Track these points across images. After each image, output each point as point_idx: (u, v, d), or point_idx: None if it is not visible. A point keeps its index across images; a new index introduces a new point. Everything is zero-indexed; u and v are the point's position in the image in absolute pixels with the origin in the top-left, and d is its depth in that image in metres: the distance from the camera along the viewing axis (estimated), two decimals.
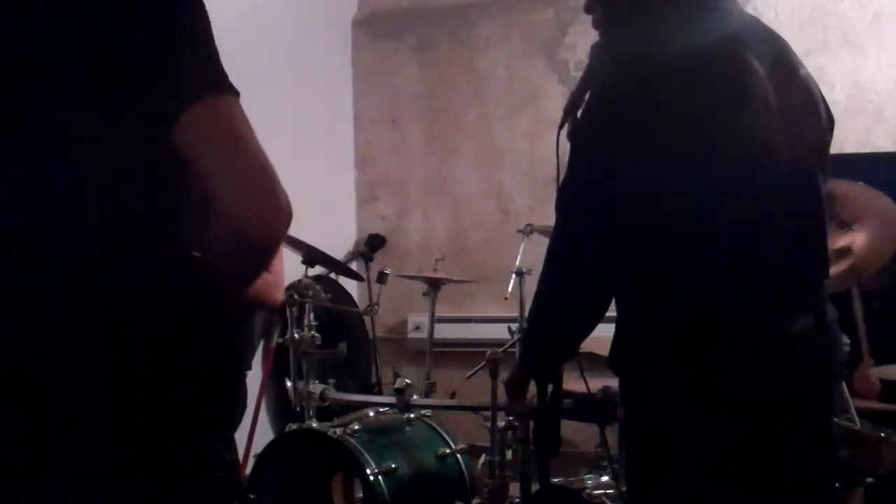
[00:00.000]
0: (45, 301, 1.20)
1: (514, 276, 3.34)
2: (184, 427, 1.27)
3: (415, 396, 2.98)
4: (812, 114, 1.64)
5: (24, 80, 1.20)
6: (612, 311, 1.65)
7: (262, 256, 1.26)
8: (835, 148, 1.73)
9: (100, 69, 1.17)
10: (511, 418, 2.68)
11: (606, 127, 1.56)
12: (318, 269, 3.54)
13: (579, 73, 1.75)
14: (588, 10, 1.73)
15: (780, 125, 1.54)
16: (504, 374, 1.98)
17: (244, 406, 2.86)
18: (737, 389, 1.52)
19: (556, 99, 4.40)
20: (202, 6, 1.24)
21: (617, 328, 1.65)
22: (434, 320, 3.51)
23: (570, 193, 1.61)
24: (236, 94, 1.21)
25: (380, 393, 4.05)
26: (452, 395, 3.74)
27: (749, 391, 1.53)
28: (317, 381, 3.04)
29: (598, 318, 1.66)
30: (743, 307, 1.54)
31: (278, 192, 1.18)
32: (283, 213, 1.18)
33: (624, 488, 1.97)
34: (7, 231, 1.22)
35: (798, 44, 1.69)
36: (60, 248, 1.20)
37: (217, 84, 1.20)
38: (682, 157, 1.49)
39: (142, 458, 1.22)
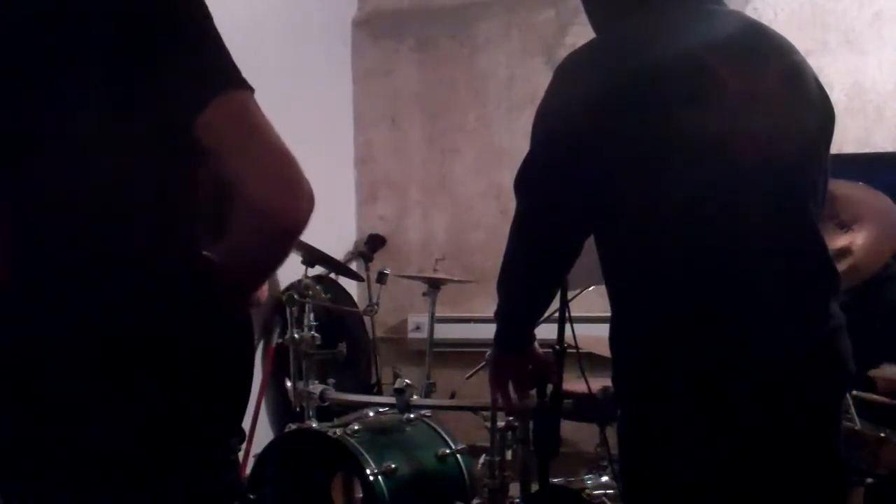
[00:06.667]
0: (54, 296, 1.20)
1: None
2: (200, 424, 1.27)
3: (415, 396, 2.99)
4: (798, 106, 1.61)
5: (42, 77, 1.21)
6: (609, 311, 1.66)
7: (285, 243, 1.28)
8: (835, 148, 1.72)
9: (119, 67, 1.19)
10: (511, 418, 2.68)
11: (568, 132, 1.66)
12: (318, 269, 3.54)
13: None
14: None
15: (741, 119, 1.53)
16: None
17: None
18: (735, 392, 1.51)
19: None
20: (204, 4, 1.25)
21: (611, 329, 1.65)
22: (434, 320, 3.50)
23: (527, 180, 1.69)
24: (252, 89, 1.24)
25: (380, 393, 4.05)
26: (452, 395, 3.74)
27: (747, 394, 1.51)
28: (317, 381, 3.05)
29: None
30: (729, 307, 1.53)
31: (301, 179, 1.21)
32: (306, 199, 1.21)
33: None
34: (23, 225, 1.22)
35: (798, 44, 1.69)
36: (69, 242, 1.21)
37: (235, 79, 1.23)
38: (636, 157, 1.53)
39: (155, 459, 1.22)
